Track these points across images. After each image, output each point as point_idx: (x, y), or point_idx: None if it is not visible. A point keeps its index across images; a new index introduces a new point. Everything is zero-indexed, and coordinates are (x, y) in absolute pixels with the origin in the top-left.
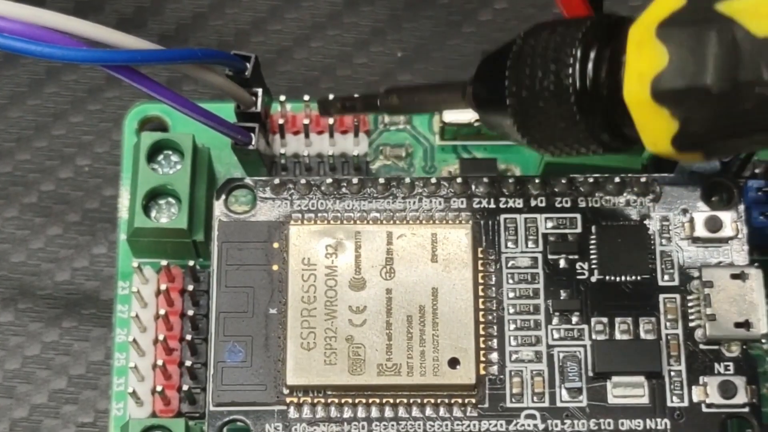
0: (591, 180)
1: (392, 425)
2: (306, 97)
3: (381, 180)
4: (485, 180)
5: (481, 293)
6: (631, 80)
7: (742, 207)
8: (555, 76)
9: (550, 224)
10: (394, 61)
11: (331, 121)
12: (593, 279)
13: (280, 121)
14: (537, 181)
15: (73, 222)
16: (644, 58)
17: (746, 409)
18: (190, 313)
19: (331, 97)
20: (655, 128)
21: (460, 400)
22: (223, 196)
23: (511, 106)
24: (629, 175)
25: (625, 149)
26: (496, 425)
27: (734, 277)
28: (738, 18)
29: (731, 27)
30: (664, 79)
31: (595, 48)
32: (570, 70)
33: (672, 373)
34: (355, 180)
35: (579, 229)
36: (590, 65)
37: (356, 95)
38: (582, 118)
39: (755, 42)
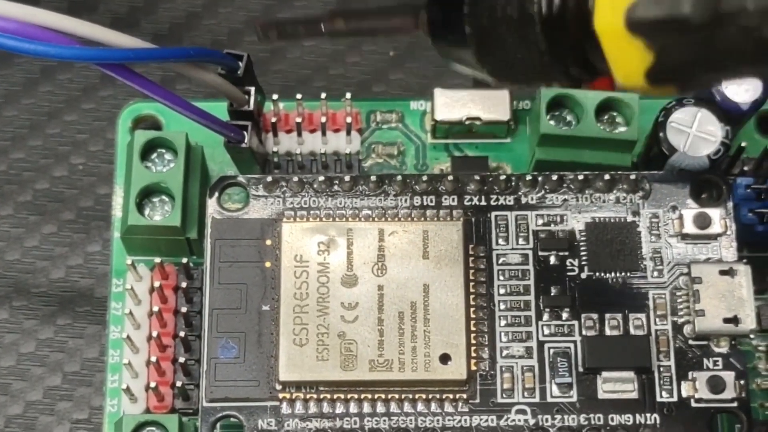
0: (581, 177)
1: (384, 420)
2: (299, 96)
3: (373, 177)
4: (476, 177)
5: (472, 290)
6: (603, 8)
7: (730, 204)
8: (519, 2)
9: (540, 221)
10: (387, 60)
11: (323, 119)
12: (583, 275)
13: (273, 120)
14: (528, 178)
15: (68, 220)
16: None
17: (735, 404)
18: (184, 310)
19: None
20: (628, 60)
21: (451, 396)
22: (216, 194)
23: (470, 35)
24: (619, 172)
25: (591, 80)
26: (487, 420)
27: (723, 273)
28: None
29: None
30: (639, 8)
31: None
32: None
33: (661, 369)
34: (347, 178)
35: (569, 226)
36: (555, 6)
37: (298, 19)
38: (548, 47)
39: None
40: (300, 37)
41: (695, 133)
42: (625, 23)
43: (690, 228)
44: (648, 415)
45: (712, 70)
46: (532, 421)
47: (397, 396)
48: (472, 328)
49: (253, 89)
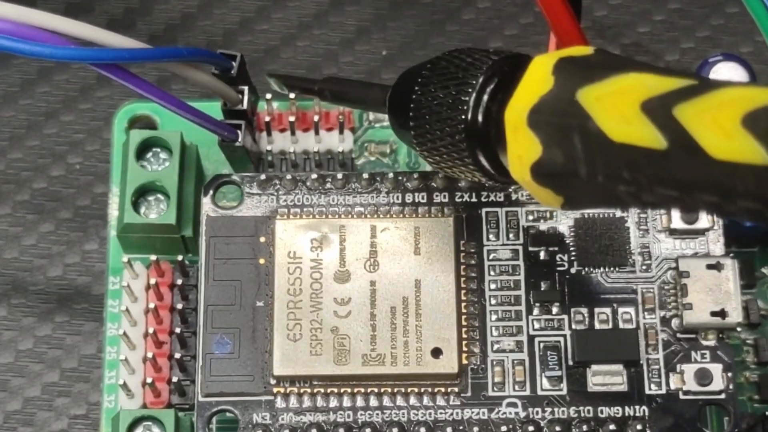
0: None
1: (377, 414)
2: (292, 96)
3: (365, 175)
4: None
5: (463, 285)
6: (513, 163)
7: None
8: (450, 138)
9: (530, 217)
10: (379, 60)
11: (316, 118)
12: (573, 270)
13: (267, 119)
14: None
15: (65, 219)
16: (521, 144)
17: (722, 396)
18: (180, 306)
19: (278, 74)
20: (544, 199)
21: (443, 389)
22: (211, 192)
23: (418, 146)
24: None
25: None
26: (478, 413)
27: (710, 267)
28: (594, 115)
29: (589, 124)
30: (540, 167)
31: (487, 97)
32: (462, 125)
33: (650, 361)
34: (339, 175)
35: (558, 223)
36: (481, 117)
37: (299, 77)
38: (477, 166)
39: (612, 145)
40: (298, 91)
41: None
42: (532, 177)
43: (677, 223)
44: (637, 407)
45: (615, 208)
46: (522, 414)
47: (389, 390)
48: (464, 323)
49: (246, 89)
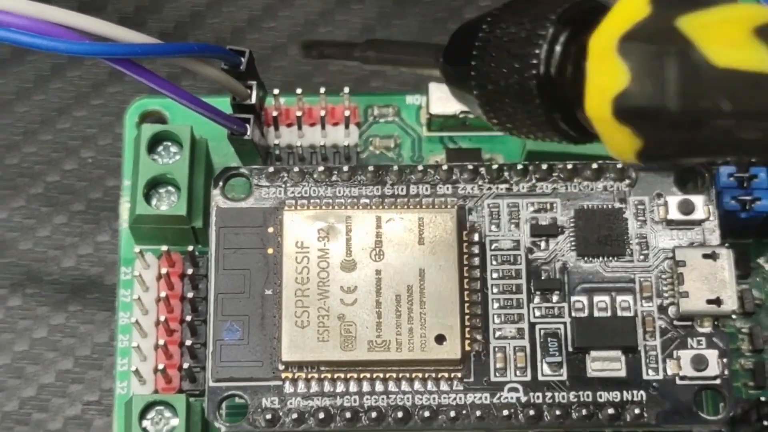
0: (570, 167)
1: (382, 399)
2: (299, 91)
3: (371, 168)
4: (470, 167)
5: (466, 274)
6: (593, 96)
7: (713, 191)
8: (519, 76)
9: (531, 209)
10: None
11: (322, 113)
12: (572, 260)
13: (274, 114)
14: (519, 167)
15: (78, 211)
16: (605, 73)
17: (718, 381)
18: (190, 295)
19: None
20: (620, 143)
21: (446, 375)
22: (221, 184)
23: (478, 97)
24: (606, 162)
25: (590, 141)
26: (480, 398)
27: (706, 256)
28: (697, 40)
29: (690, 51)
30: (625, 99)
31: (561, 48)
32: (534, 71)
33: (647, 348)
34: (345, 168)
35: (558, 213)
36: (554, 70)
37: (337, 42)
38: (548, 120)
39: (714, 72)
40: (336, 57)
41: None
42: (613, 112)
43: (674, 214)
44: (635, 392)
45: (698, 156)
46: (524, 399)
47: (394, 375)
48: (466, 311)
49: (255, 84)
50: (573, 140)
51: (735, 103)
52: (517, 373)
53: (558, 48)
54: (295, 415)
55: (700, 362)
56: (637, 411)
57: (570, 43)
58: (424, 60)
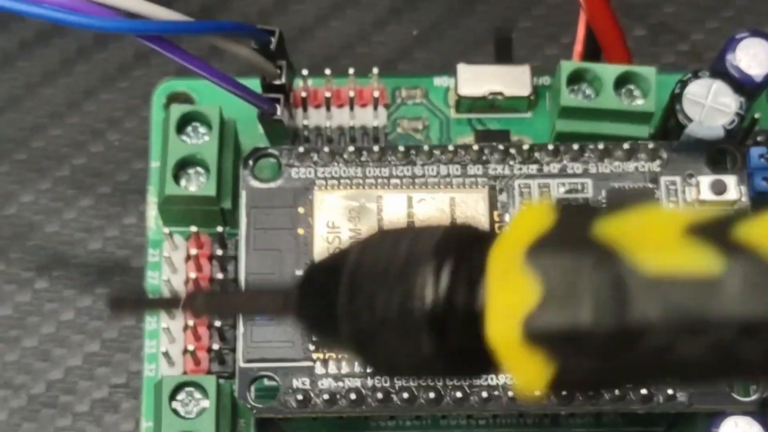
0: (601, 147)
1: (413, 379)
2: (327, 71)
3: (401, 148)
4: (500, 148)
5: None
6: (496, 318)
7: (745, 171)
8: (400, 302)
9: (562, 189)
10: (410, 40)
11: (351, 94)
12: None
13: (303, 95)
14: (550, 148)
15: (104, 194)
16: (511, 291)
17: None
18: (219, 277)
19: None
20: (528, 371)
21: None
22: (251, 164)
23: (348, 336)
24: (638, 142)
25: (487, 374)
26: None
27: None
28: (620, 247)
29: (612, 260)
30: (536, 319)
31: (449, 274)
32: (418, 302)
33: None
34: (375, 148)
35: (590, 194)
36: (442, 298)
37: (156, 298)
38: (437, 354)
39: (644, 281)
40: (159, 308)
41: (710, 104)
42: (523, 334)
43: (706, 194)
44: None
45: (624, 382)
46: None
47: None
48: None
49: (285, 63)
50: (466, 375)
51: (672, 313)
52: None
53: (445, 274)
54: (326, 396)
55: None
56: (669, 392)
57: (459, 267)
58: (268, 302)
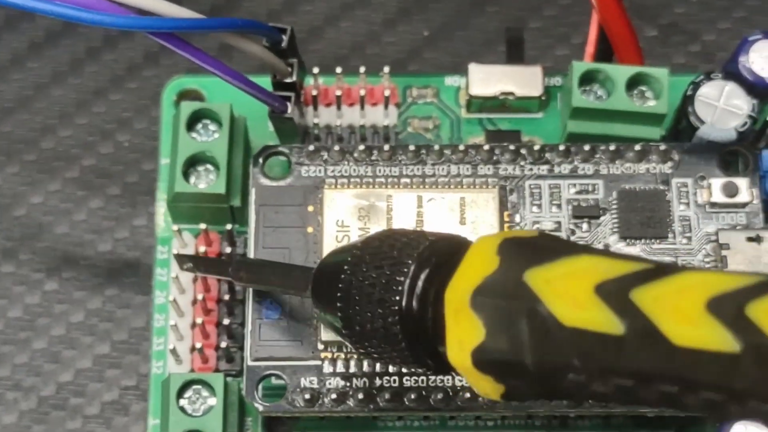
0: (612, 148)
1: (422, 379)
2: (338, 70)
3: (411, 147)
4: (511, 148)
5: None
6: (452, 346)
7: (757, 174)
8: (383, 320)
9: (573, 190)
10: (421, 40)
11: (362, 93)
12: (614, 242)
13: (314, 93)
14: (561, 148)
15: (114, 195)
16: (462, 327)
17: None
18: None
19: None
20: (483, 387)
21: None
22: (260, 162)
23: (347, 336)
24: (649, 144)
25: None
26: None
27: (750, 240)
28: (544, 297)
29: (539, 308)
30: (482, 353)
31: (420, 292)
32: (397, 317)
33: None
34: (386, 147)
35: (601, 195)
36: (416, 312)
37: (211, 259)
38: (415, 358)
39: (562, 331)
40: (209, 273)
41: (723, 106)
42: (473, 363)
43: (718, 197)
44: None
45: (559, 398)
46: None
47: None
48: None
49: (296, 61)
50: (442, 373)
51: (583, 360)
52: None
53: (418, 292)
54: (334, 395)
55: None
56: None
57: (429, 285)
58: (294, 284)
